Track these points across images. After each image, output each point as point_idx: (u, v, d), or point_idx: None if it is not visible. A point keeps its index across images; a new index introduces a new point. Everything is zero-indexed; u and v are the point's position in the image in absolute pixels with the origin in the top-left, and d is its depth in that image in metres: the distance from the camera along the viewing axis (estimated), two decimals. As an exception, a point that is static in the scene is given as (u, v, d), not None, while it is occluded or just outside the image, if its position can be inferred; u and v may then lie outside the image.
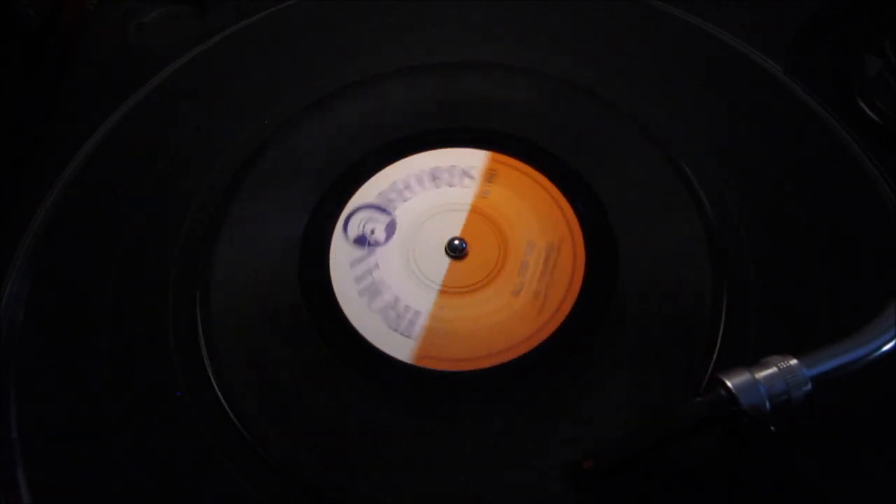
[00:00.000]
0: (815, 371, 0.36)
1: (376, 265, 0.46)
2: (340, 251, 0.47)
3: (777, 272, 0.44)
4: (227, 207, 0.48)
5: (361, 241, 0.47)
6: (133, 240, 0.47)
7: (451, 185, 0.49)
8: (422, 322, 0.44)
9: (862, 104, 0.50)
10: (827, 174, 0.48)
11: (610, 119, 0.51)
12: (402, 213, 0.48)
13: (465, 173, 0.50)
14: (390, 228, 0.47)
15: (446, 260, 0.46)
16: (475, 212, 0.48)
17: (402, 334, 0.44)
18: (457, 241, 0.47)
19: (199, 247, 0.46)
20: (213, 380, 0.42)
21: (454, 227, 0.48)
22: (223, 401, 0.41)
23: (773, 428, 0.34)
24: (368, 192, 0.49)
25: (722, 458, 0.39)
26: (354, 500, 0.38)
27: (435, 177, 0.49)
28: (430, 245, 0.47)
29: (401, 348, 0.43)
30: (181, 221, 0.47)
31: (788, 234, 0.46)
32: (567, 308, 0.44)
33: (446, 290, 0.45)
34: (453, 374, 0.42)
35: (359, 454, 0.40)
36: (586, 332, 0.43)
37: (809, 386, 0.36)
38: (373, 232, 0.47)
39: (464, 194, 0.49)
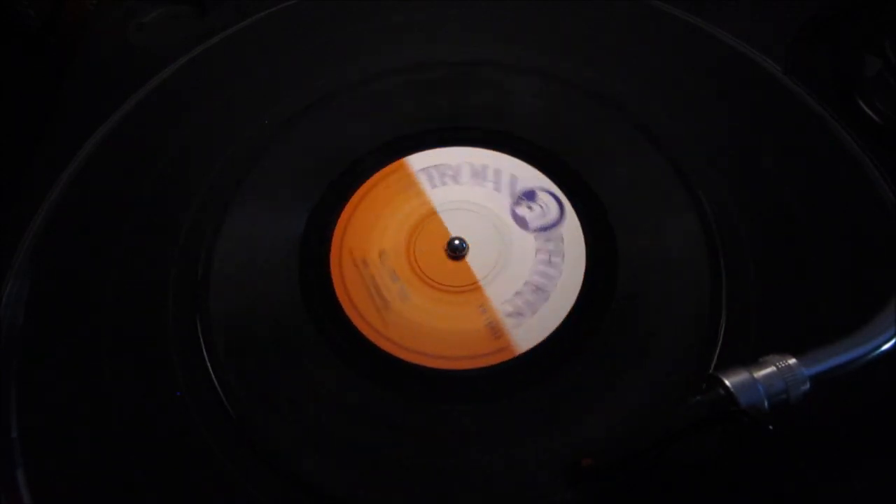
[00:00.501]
0: (813, 370, 0.36)
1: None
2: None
3: (777, 272, 0.44)
4: (227, 207, 0.48)
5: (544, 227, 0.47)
6: (133, 240, 0.47)
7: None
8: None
9: (862, 104, 0.50)
10: (827, 174, 0.48)
11: (610, 119, 0.51)
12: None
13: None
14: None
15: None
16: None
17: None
18: (457, 241, 0.47)
19: (199, 247, 0.46)
20: (213, 380, 0.42)
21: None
22: (223, 401, 0.41)
23: (771, 427, 0.34)
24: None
25: (722, 458, 0.39)
26: (354, 500, 0.38)
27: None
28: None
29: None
30: (181, 221, 0.48)
31: (788, 234, 0.46)
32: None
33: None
34: (453, 371, 0.42)
35: (359, 454, 0.40)
36: (585, 333, 0.43)
37: (808, 385, 0.36)
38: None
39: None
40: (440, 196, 0.49)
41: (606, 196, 0.48)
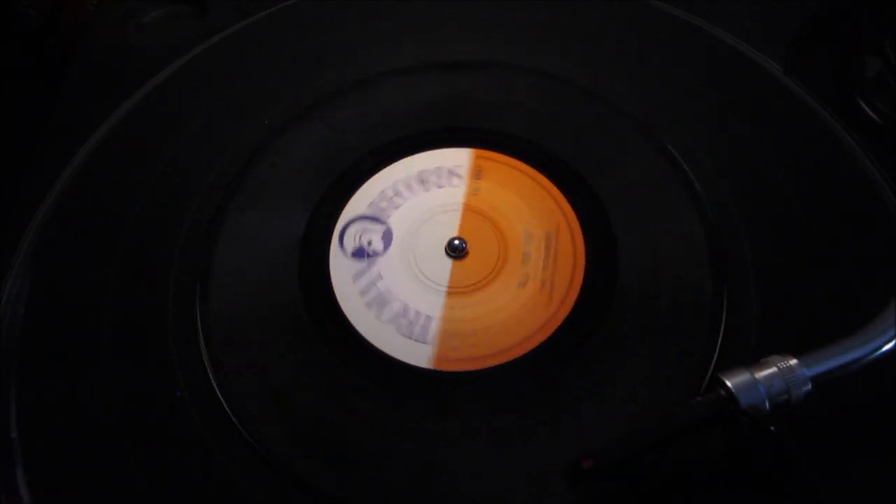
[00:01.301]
0: (814, 371, 0.36)
1: (379, 276, 0.46)
2: (340, 266, 0.46)
3: (777, 272, 0.44)
4: (228, 208, 0.48)
5: (360, 253, 0.46)
6: (133, 240, 0.47)
7: (439, 187, 0.49)
8: (435, 325, 0.44)
9: (862, 104, 0.50)
10: (827, 174, 0.48)
11: (610, 119, 0.51)
12: (396, 221, 0.48)
13: (452, 173, 0.50)
14: (387, 237, 0.47)
15: (448, 261, 0.46)
16: (469, 209, 0.48)
17: (416, 340, 0.43)
18: (456, 241, 0.47)
19: (199, 247, 0.46)
20: (213, 380, 0.42)
21: (451, 228, 0.48)
22: (223, 401, 0.41)
23: (772, 428, 0.34)
24: (359, 203, 0.49)
25: (722, 458, 0.39)
26: (354, 500, 0.38)
27: (423, 180, 0.49)
28: (431, 248, 0.47)
29: (419, 355, 0.43)
30: (181, 221, 0.48)
31: (788, 234, 0.46)
32: (574, 293, 0.44)
33: (454, 291, 0.45)
34: (474, 373, 0.42)
35: (359, 454, 0.40)
36: (585, 333, 0.43)
37: (809, 386, 0.36)
38: (370, 243, 0.47)
39: (454, 193, 0.49)
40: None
41: (606, 196, 0.48)
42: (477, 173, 0.49)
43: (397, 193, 0.49)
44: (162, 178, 0.49)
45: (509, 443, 0.40)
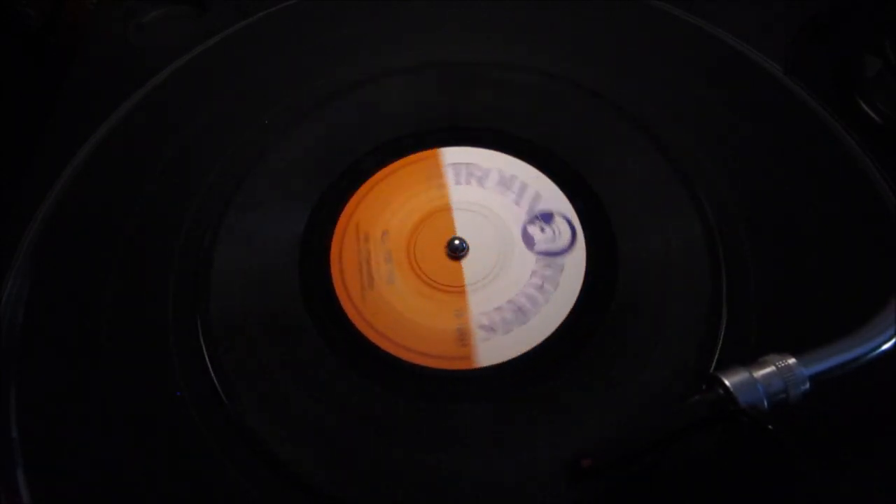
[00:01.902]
0: (813, 370, 0.36)
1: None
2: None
3: (777, 272, 0.44)
4: (228, 207, 0.48)
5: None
6: (133, 240, 0.47)
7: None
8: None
9: (862, 104, 0.50)
10: (827, 174, 0.48)
11: (610, 119, 0.51)
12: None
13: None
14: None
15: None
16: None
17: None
18: (457, 241, 0.47)
19: (199, 247, 0.46)
20: (213, 380, 0.42)
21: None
22: (223, 401, 0.41)
23: (770, 427, 0.34)
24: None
25: (722, 458, 0.39)
26: (354, 500, 0.38)
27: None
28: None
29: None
30: (181, 221, 0.48)
31: (788, 234, 0.46)
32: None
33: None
34: (453, 372, 0.42)
35: (360, 454, 0.40)
36: (585, 333, 0.43)
37: (808, 385, 0.36)
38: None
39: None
40: (461, 194, 0.49)
41: (606, 196, 0.48)
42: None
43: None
44: (162, 178, 0.49)
45: (509, 441, 0.40)
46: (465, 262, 0.46)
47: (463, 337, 0.43)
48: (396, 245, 0.47)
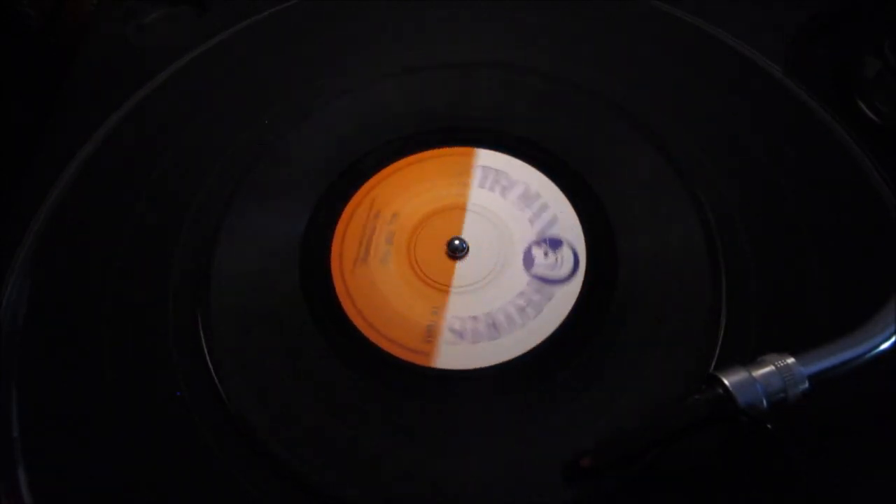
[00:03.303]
0: (812, 370, 0.36)
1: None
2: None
3: (777, 272, 0.44)
4: (228, 207, 0.48)
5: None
6: (133, 240, 0.47)
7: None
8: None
9: (862, 104, 0.50)
10: (827, 174, 0.48)
11: (610, 119, 0.51)
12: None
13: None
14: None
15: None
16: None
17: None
18: (457, 242, 0.47)
19: (199, 247, 0.47)
20: (213, 379, 0.42)
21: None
22: (223, 401, 0.41)
23: (770, 427, 0.34)
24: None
25: (722, 458, 0.39)
26: (354, 500, 0.39)
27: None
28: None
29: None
30: (181, 222, 0.48)
31: (788, 234, 0.46)
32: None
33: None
34: (452, 371, 0.42)
35: (359, 454, 0.40)
36: (586, 332, 0.43)
37: (806, 384, 0.36)
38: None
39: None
40: (480, 198, 0.49)
41: (606, 196, 0.48)
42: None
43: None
44: (162, 179, 0.49)
45: (508, 441, 0.40)
46: (460, 264, 0.46)
47: (430, 334, 0.44)
48: (402, 229, 0.47)
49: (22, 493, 0.39)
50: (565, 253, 0.46)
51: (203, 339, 0.43)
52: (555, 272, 0.45)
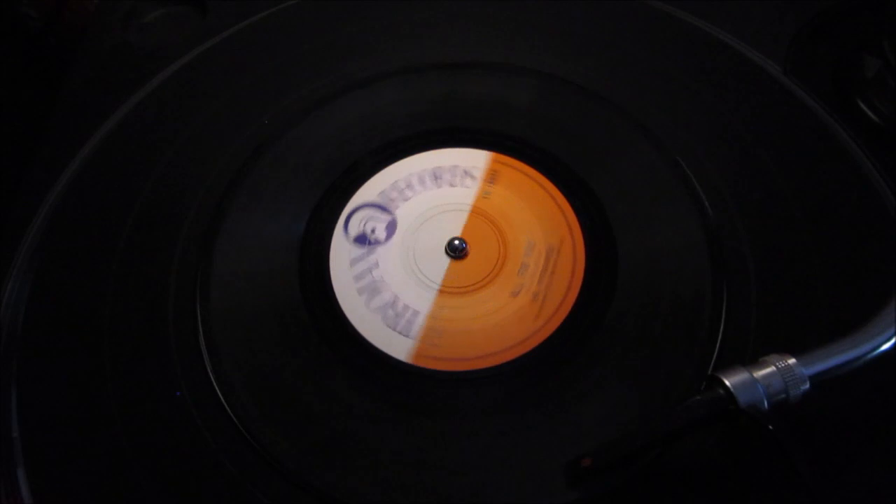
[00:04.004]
0: (812, 370, 0.36)
1: (376, 264, 0.46)
2: (341, 249, 0.47)
3: (777, 272, 0.44)
4: (228, 207, 0.48)
5: (362, 239, 0.47)
6: (133, 240, 0.47)
7: (452, 185, 0.49)
8: (420, 322, 0.44)
9: (861, 104, 0.50)
10: (827, 174, 0.48)
11: (610, 119, 0.51)
12: (403, 213, 0.48)
13: (467, 173, 0.50)
14: (391, 227, 0.47)
15: (446, 260, 0.46)
16: (476, 212, 0.48)
17: (400, 333, 0.44)
18: (457, 241, 0.47)
19: (199, 247, 0.47)
20: (213, 380, 0.42)
21: (455, 227, 0.48)
22: (223, 401, 0.41)
23: (770, 427, 0.34)
24: (370, 190, 0.49)
25: (722, 458, 0.39)
26: (354, 500, 0.39)
27: (437, 176, 0.49)
28: (431, 244, 0.47)
29: (399, 347, 0.43)
30: (181, 222, 0.48)
31: (788, 234, 0.46)
32: (565, 311, 0.44)
33: (445, 290, 0.45)
34: (451, 373, 0.42)
35: (358, 454, 0.40)
36: (584, 334, 0.43)
37: (807, 385, 0.36)
38: (373, 231, 0.47)
39: (465, 194, 0.49)
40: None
41: (607, 196, 0.48)
42: (492, 177, 0.49)
43: (409, 186, 0.49)
44: (162, 178, 0.49)
45: (508, 441, 0.40)
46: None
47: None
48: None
49: (22, 494, 0.39)
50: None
51: (203, 339, 0.43)
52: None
